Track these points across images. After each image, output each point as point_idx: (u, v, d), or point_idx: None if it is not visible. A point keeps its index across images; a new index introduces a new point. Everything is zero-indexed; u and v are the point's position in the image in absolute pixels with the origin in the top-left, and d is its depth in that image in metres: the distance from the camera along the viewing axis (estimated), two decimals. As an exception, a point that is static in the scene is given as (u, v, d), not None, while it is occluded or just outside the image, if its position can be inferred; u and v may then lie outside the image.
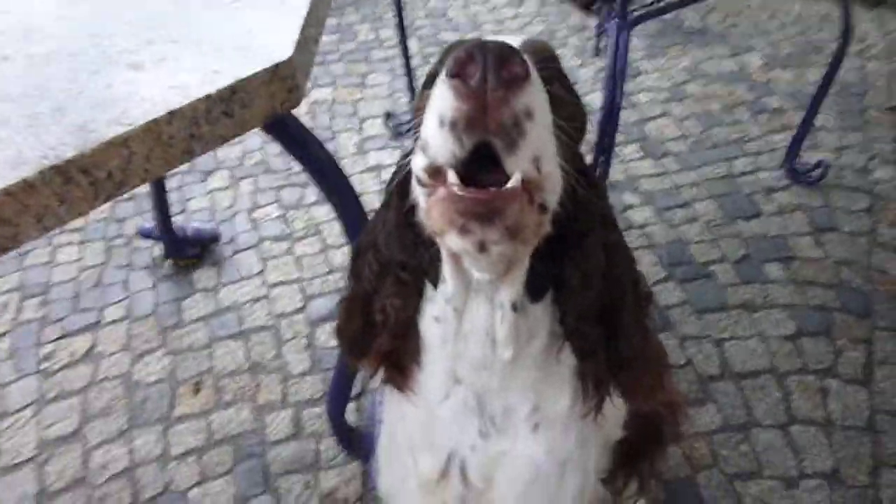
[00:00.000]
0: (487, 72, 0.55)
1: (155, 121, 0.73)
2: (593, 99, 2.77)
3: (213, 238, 2.19)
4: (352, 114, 2.75)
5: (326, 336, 1.96)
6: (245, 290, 2.10)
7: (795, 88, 2.79)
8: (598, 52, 2.98)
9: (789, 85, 2.81)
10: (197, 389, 1.85)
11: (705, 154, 2.51)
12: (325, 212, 2.34)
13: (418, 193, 0.68)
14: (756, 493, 1.61)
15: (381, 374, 0.93)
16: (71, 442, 1.75)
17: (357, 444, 1.67)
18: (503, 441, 0.90)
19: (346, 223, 1.09)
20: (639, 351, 0.83)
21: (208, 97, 0.77)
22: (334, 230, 2.27)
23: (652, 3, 1.76)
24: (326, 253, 2.20)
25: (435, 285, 0.80)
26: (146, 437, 1.75)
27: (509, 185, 0.59)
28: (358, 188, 2.39)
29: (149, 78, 0.81)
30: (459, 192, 0.59)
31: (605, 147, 1.73)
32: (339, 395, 1.59)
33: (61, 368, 1.91)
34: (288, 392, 1.83)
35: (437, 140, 0.59)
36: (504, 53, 0.55)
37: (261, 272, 2.15)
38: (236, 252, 2.22)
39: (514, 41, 0.75)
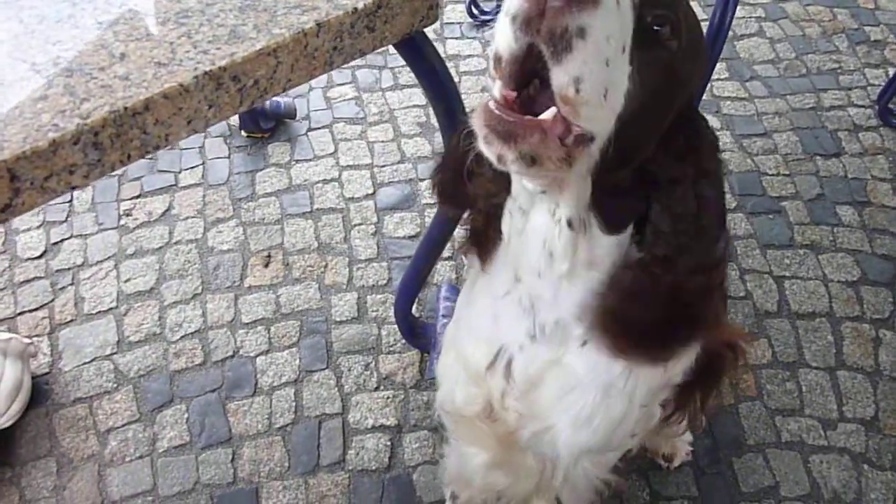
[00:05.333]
0: None
1: (303, 31, 0.74)
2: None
3: (290, 114, 2.19)
4: (433, -4, 2.66)
5: (394, 225, 2.00)
6: (317, 169, 2.13)
7: (903, 20, 2.63)
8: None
9: (896, 15, 2.64)
10: (267, 262, 1.92)
11: (795, 82, 2.41)
12: (399, 98, 2.32)
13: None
14: (794, 429, 1.67)
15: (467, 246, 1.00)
16: (148, 298, 1.86)
17: (417, 333, 1.75)
18: (551, 349, 0.93)
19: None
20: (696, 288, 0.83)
21: (355, 10, 0.76)
22: (408, 118, 2.26)
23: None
24: (398, 141, 2.20)
25: None
26: (218, 302, 1.85)
27: (542, 116, 0.64)
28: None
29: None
30: (492, 107, 0.65)
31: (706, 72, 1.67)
32: (409, 288, 1.64)
33: (139, 226, 1.99)
34: (353, 276, 1.90)
35: (501, 29, 0.63)
36: None
37: (333, 153, 2.17)
38: (310, 130, 2.23)
39: None
